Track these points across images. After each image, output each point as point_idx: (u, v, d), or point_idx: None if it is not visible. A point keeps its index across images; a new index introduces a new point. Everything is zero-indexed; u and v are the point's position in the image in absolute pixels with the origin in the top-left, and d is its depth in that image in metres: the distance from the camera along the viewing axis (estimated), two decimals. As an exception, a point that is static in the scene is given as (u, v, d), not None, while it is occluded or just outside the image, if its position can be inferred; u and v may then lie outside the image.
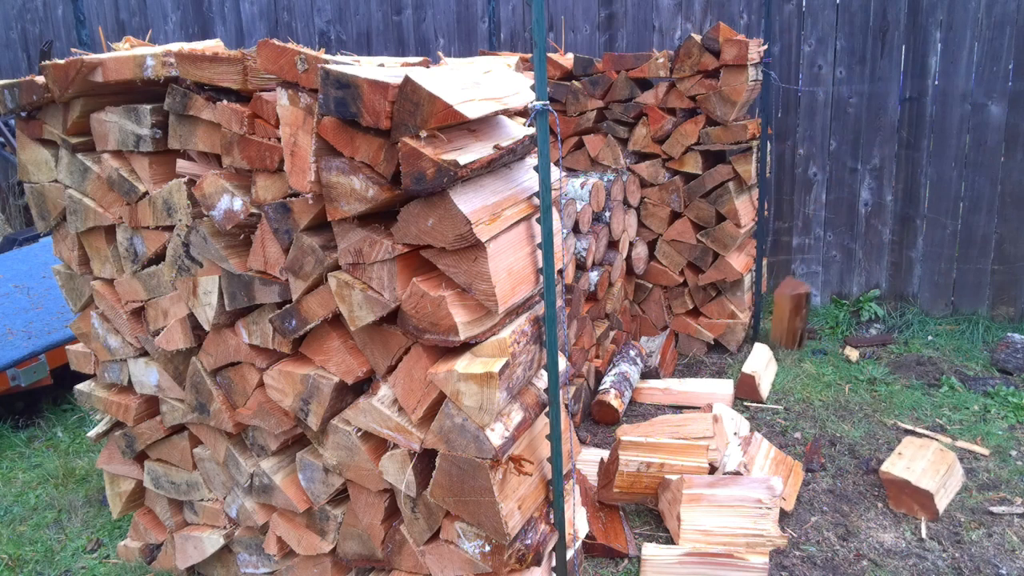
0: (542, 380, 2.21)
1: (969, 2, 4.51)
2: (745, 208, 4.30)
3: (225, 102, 2.07)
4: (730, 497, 2.70)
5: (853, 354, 4.45)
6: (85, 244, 2.56)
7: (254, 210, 2.11)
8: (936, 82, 4.68)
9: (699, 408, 3.74)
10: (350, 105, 1.78)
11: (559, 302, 2.20)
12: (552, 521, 2.24)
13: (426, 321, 1.93)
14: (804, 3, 4.90)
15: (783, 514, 2.96)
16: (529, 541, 2.13)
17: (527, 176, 2.13)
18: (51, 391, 4.33)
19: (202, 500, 2.68)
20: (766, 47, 4.29)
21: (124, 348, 2.59)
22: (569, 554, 2.31)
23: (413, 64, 2.15)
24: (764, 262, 4.71)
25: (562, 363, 2.22)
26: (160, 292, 2.42)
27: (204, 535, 2.68)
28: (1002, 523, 2.91)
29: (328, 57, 1.89)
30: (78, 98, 2.33)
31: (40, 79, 2.33)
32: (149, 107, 2.24)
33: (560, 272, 2.22)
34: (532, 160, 2.19)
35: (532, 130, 2.03)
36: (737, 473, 2.90)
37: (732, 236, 4.23)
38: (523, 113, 2.07)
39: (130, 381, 2.63)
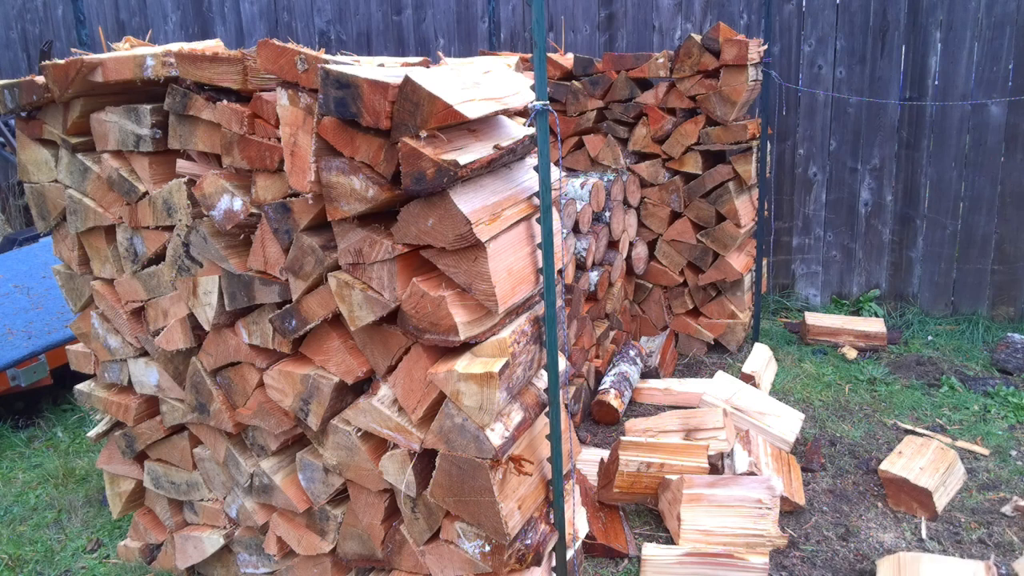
0: (542, 380, 2.21)
1: (969, 2, 4.51)
2: (745, 208, 4.30)
3: (225, 102, 2.07)
4: (730, 497, 2.70)
5: (852, 353, 4.45)
6: (85, 244, 2.56)
7: (254, 210, 2.11)
8: (936, 82, 4.68)
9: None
10: (350, 105, 1.78)
11: (559, 302, 2.20)
12: (552, 521, 2.24)
13: (426, 321, 1.93)
14: (804, 3, 4.90)
15: (787, 512, 2.96)
16: (529, 541, 2.13)
17: (527, 176, 2.13)
18: (51, 391, 4.33)
19: (202, 500, 2.68)
20: (766, 47, 4.29)
21: (124, 348, 2.59)
22: (569, 554, 2.31)
23: (413, 64, 2.15)
24: (764, 262, 4.71)
25: (562, 363, 2.22)
26: (160, 292, 2.42)
27: (204, 535, 2.68)
28: (1002, 523, 2.91)
29: (328, 57, 1.89)
30: (78, 98, 2.33)
31: (40, 79, 2.33)
32: (149, 107, 2.24)
33: (560, 272, 2.22)
34: (532, 160, 2.19)
35: (532, 130, 2.02)
36: (751, 473, 2.90)
37: (732, 236, 4.23)
38: (523, 113, 2.07)
39: (130, 381, 2.63)
